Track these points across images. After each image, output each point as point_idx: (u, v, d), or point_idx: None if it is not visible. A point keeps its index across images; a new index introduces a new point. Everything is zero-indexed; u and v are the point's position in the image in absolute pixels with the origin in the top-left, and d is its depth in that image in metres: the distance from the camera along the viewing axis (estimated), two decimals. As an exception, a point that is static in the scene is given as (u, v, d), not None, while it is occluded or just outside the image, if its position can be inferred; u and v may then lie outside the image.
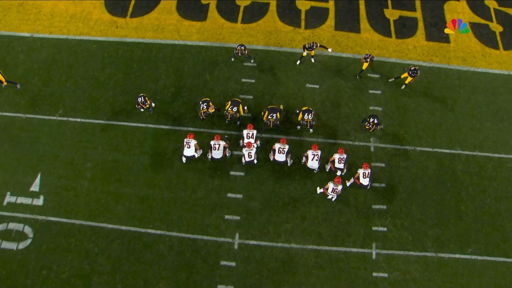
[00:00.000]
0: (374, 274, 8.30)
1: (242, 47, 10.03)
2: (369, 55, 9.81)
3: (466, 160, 9.57)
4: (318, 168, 8.97)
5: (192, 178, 9.12)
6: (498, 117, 10.18)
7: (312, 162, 8.78)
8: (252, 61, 10.54)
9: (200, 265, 8.28)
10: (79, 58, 10.69)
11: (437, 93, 10.46)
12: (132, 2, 11.63)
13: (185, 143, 8.82)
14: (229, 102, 9.35)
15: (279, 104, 10.01)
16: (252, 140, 8.95)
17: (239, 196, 8.97)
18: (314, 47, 10.02)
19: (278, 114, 9.25)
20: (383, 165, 9.44)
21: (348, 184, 9.00)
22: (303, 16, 11.52)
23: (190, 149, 8.80)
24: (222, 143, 8.84)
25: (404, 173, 9.37)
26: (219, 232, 8.59)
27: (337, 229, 8.69)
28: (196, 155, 9.01)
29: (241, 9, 11.57)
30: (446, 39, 11.33)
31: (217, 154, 8.84)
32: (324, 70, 10.68)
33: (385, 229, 8.73)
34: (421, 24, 11.53)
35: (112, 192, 8.99)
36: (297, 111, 9.55)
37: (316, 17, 11.52)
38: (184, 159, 9.15)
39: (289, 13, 11.54)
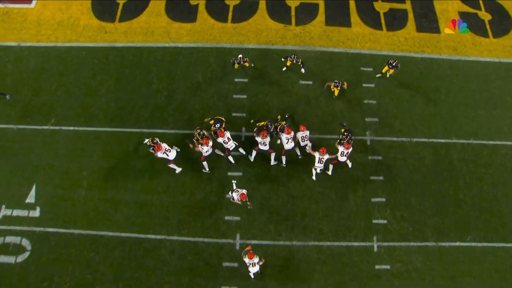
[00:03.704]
0: (377, 266, 8.35)
1: (240, 56, 9.82)
2: (339, 83, 9.45)
3: (462, 148, 9.65)
4: (293, 147, 8.67)
5: (189, 181, 9.07)
6: (491, 104, 10.27)
7: (288, 144, 8.57)
8: (252, 65, 10.17)
9: (202, 267, 8.25)
10: (69, 66, 10.53)
11: (430, 84, 10.51)
12: (120, 6, 11.49)
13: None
14: (212, 120, 8.97)
15: (280, 114, 9.67)
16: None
17: (238, 196, 8.95)
18: (294, 62, 9.94)
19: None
20: (380, 158, 9.48)
21: (329, 172, 9.03)
22: (293, 13, 11.48)
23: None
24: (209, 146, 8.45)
25: (401, 164, 9.41)
26: (219, 234, 8.56)
27: (338, 224, 8.71)
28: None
29: (231, 8, 11.49)
30: (436, 29, 11.38)
31: (209, 152, 8.60)
32: (317, 66, 10.67)
33: (385, 221, 8.77)
34: (411, 16, 11.56)
35: (110, 200, 8.90)
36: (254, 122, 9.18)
37: (306, 13, 11.48)
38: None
39: (279, 11, 11.48)
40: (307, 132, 8.80)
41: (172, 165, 8.76)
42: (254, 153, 9.08)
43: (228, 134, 8.55)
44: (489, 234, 8.72)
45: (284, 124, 8.91)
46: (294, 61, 9.96)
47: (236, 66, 9.99)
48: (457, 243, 8.62)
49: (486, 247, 8.60)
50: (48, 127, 9.70)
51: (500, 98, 10.35)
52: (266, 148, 8.73)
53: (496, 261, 8.48)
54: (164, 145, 8.46)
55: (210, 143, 8.53)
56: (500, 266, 8.44)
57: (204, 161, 8.80)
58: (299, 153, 9.23)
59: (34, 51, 10.72)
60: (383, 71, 10.18)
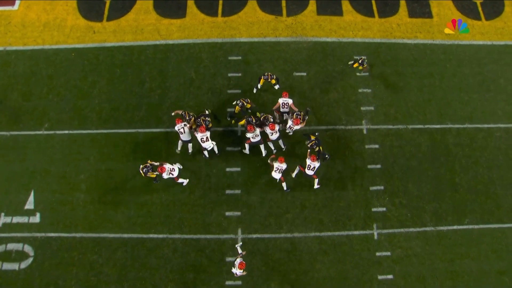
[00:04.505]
0: (378, 253, 8.49)
1: (246, 100, 9.02)
2: (300, 113, 8.75)
3: (457, 133, 9.72)
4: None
5: (188, 178, 9.06)
6: (484, 88, 10.30)
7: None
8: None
9: (206, 263, 8.34)
10: (58, 68, 10.34)
11: (423, 70, 10.49)
12: (107, 5, 11.21)
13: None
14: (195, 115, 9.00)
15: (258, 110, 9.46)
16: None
17: (238, 191, 8.98)
18: (269, 80, 9.41)
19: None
20: (376, 146, 9.53)
21: (293, 174, 8.88)
22: (284, 4, 11.31)
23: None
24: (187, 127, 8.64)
25: (398, 152, 9.48)
26: (221, 230, 8.62)
27: (338, 214, 8.81)
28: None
29: (220, 2, 11.28)
30: (429, 14, 11.29)
31: (185, 137, 8.75)
32: (310, 56, 10.58)
33: (384, 209, 8.88)
34: (403, 1, 11.43)
35: (110, 201, 8.89)
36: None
37: (297, 3, 11.31)
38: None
39: (269, 2, 11.29)
40: (289, 100, 8.84)
41: (179, 180, 8.71)
42: (247, 146, 9.09)
43: (208, 134, 8.54)
44: (485, 216, 8.89)
45: (270, 118, 8.80)
46: (269, 79, 9.35)
47: (237, 109, 9.05)
48: (455, 227, 8.78)
49: (483, 228, 8.77)
50: (42, 132, 9.58)
51: (493, 81, 10.38)
52: (258, 139, 8.77)
53: (493, 242, 8.67)
54: (167, 166, 8.26)
55: (181, 124, 8.53)
56: (497, 247, 8.64)
57: (179, 140, 8.90)
58: (282, 146, 9.20)
59: (21, 55, 10.49)
60: (355, 66, 9.94)
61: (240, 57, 10.50)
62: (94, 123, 9.69)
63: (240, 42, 10.70)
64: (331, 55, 10.59)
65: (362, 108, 9.94)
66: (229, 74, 10.28)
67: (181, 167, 8.79)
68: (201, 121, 8.72)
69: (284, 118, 9.20)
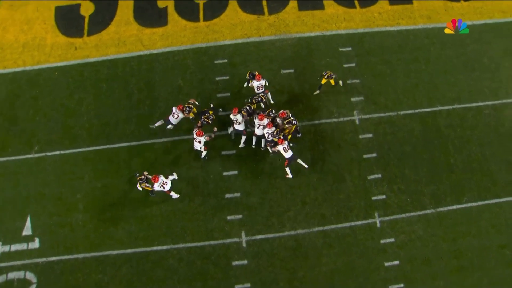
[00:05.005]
0: (382, 241, 8.57)
1: (258, 98, 9.15)
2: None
3: (447, 114, 9.85)
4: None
5: (186, 187, 9.00)
6: (469, 68, 10.46)
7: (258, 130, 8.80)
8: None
9: (213, 270, 8.30)
10: (42, 89, 10.14)
11: (408, 55, 10.60)
12: (86, 19, 11.04)
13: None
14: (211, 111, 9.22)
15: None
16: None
17: (237, 194, 8.95)
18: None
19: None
20: (370, 135, 9.60)
21: (289, 175, 8.91)
22: (264, 3, 11.29)
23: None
24: (181, 114, 9.04)
25: (392, 139, 9.57)
26: (224, 234, 8.59)
27: (339, 206, 8.85)
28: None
29: (201, 6, 11.21)
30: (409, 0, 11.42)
31: (172, 120, 9.09)
32: (295, 53, 10.60)
33: (383, 196, 8.96)
34: (382, -10, 11.53)
35: (109, 218, 8.77)
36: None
37: (278, 1, 11.31)
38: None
39: (250, 2, 11.27)
40: (263, 81, 9.14)
41: (171, 193, 8.65)
42: (230, 129, 9.13)
43: (204, 138, 8.66)
44: (482, 193, 9.04)
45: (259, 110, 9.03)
46: None
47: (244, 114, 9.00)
48: (454, 206, 8.90)
49: (481, 205, 8.91)
50: (32, 155, 9.39)
51: (477, 61, 10.55)
52: (241, 128, 8.90)
53: (491, 217, 8.82)
54: (161, 178, 8.28)
55: (179, 112, 8.97)
56: (495, 221, 8.79)
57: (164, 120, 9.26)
58: (264, 144, 9.15)
59: (2, 78, 10.26)
60: (323, 82, 9.62)
61: (226, 60, 10.46)
62: (85, 140, 9.54)
63: (225, 45, 10.66)
64: (316, 50, 10.63)
65: (352, 99, 10.01)
66: (217, 78, 10.24)
67: (176, 177, 8.73)
68: (205, 120, 8.92)
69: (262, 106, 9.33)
